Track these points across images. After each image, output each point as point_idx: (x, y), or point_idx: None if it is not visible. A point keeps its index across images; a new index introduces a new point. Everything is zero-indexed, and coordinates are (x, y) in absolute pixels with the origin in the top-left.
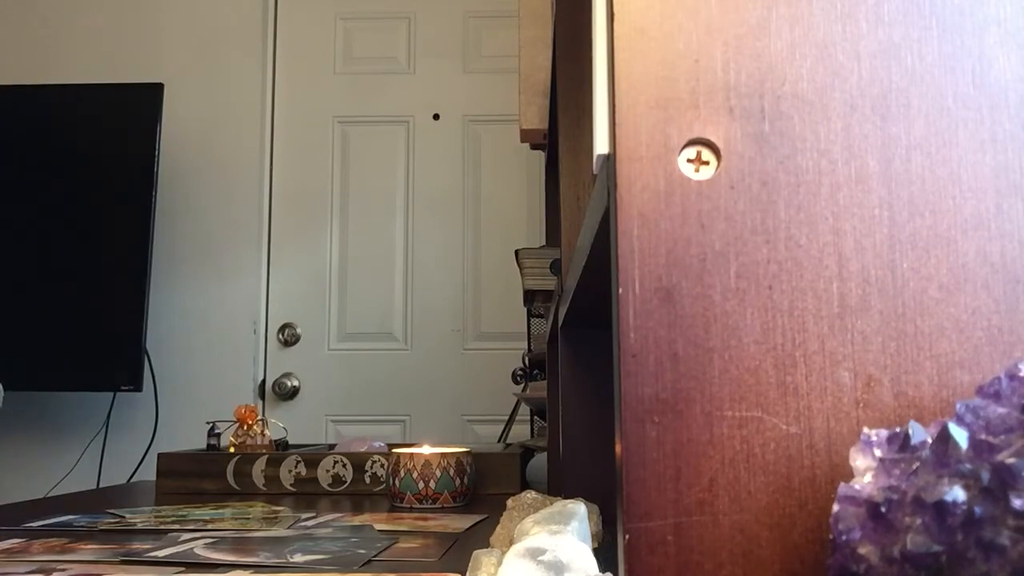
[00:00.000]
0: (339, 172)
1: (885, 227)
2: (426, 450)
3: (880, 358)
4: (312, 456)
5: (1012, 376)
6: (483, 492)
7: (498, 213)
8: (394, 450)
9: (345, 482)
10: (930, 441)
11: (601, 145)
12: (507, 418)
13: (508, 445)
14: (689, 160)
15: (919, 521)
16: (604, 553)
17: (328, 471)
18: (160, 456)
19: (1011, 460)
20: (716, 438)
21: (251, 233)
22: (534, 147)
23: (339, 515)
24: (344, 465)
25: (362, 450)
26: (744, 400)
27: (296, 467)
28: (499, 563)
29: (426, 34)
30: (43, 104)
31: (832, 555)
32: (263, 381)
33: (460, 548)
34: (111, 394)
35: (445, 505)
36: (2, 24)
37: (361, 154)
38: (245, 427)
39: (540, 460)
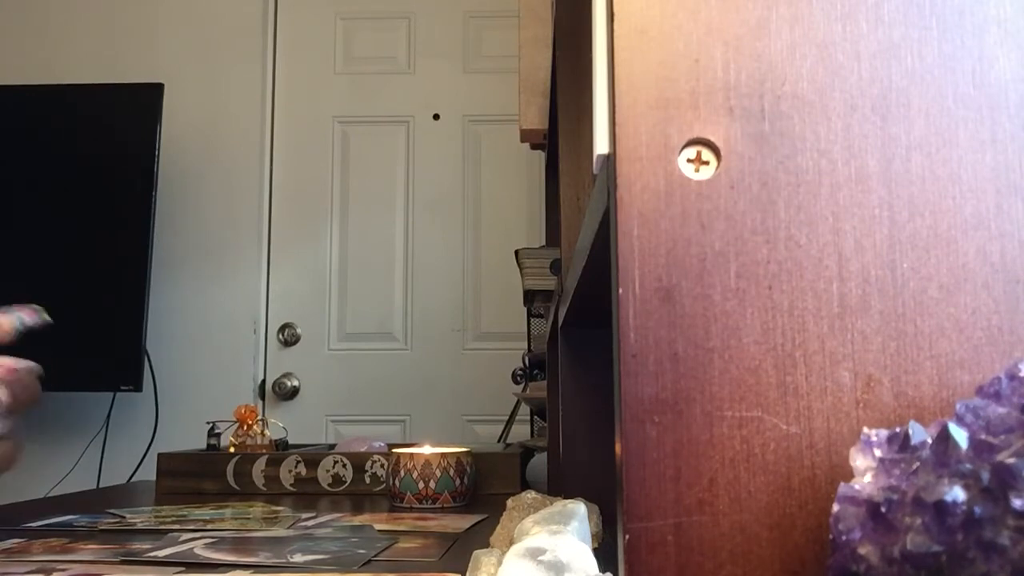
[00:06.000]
0: (339, 172)
1: (885, 227)
2: (426, 450)
3: (880, 358)
4: (312, 456)
5: (1012, 376)
6: (483, 492)
7: (498, 213)
8: (394, 450)
9: (345, 482)
10: (930, 441)
11: (601, 145)
12: (507, 418)
13: (508, 445)
14: (689, 160)
15: (919, 521)
16: (604, 553)
17: (328, 471)
18: (160, 456)
19: (1011, 460)
20: (716, 438)
21: (251, 233)
22: (534, 147)
23: (339, 515)
24: (344, 465)
25: (362, 450)
26: (744, 400)
27: (296, 467)
28: (499, 563)
29: (426, 34)
30: (43, 104)
31: (832, 555)
32: (263, 381)
33: (460, 548)
34: (111, 394)
35: (445, 505)
36: (2, 24)
37: (361, 154)
38: (245, 427)
39: (540, 460)
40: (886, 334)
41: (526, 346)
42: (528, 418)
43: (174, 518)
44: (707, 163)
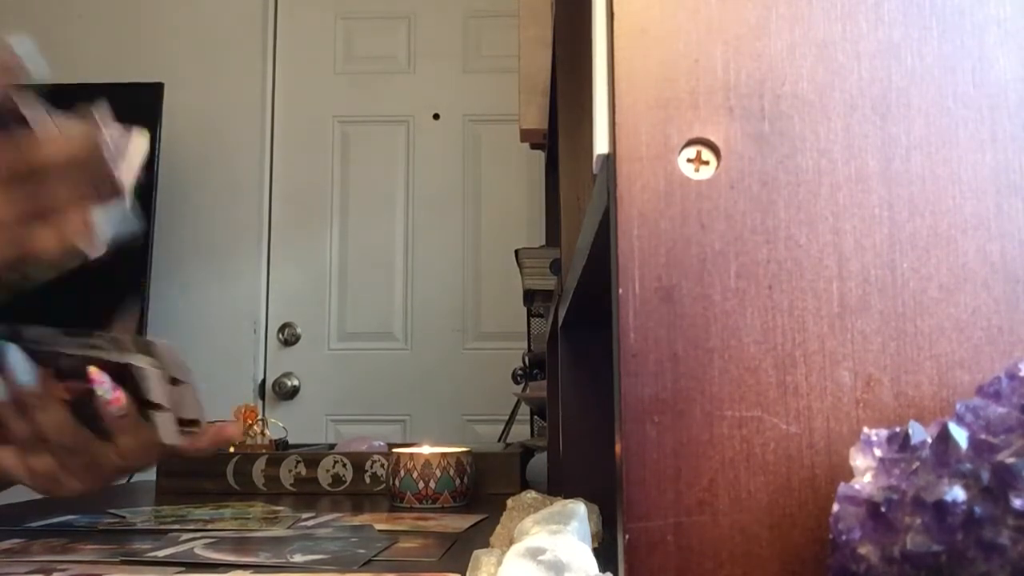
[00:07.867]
0: (339, 172)
1: (885, 227)
2: (426, 450)
3: (880, 358)
4: (312, 456)
5: (1012, 376)
6: (483, 492)
7: (498, 213)
8: (394, 450)
9: (345, 482)
10: (930, 441)
11: (601, 145)
12: (507, 418)
13: (508, 445)
14: (689, 160)
15: (919, 521)
16: (604, 553)
17: (328, 471)
18: None
19: (1011, 460)
20: (716, 438)
21: (251, 233)
22: (534, 147)
23: (339, 515)
24: (344, 465)
25: (362, 450)
26: (744, 400)
27: (296, 467)
28: (499, 563)
29: (426, 34)
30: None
31: (832, 555)
32: (263, 381)
33: (460, 548)
34: None
35: (445, 505)
36: (2, 24)
37: (361, 154)
38: (245, 427)
39: (540, 460)
40: (886, 334)
41: (526, 346)
42: (528, 418)
43: (174, 518)
44: (707, 163)
